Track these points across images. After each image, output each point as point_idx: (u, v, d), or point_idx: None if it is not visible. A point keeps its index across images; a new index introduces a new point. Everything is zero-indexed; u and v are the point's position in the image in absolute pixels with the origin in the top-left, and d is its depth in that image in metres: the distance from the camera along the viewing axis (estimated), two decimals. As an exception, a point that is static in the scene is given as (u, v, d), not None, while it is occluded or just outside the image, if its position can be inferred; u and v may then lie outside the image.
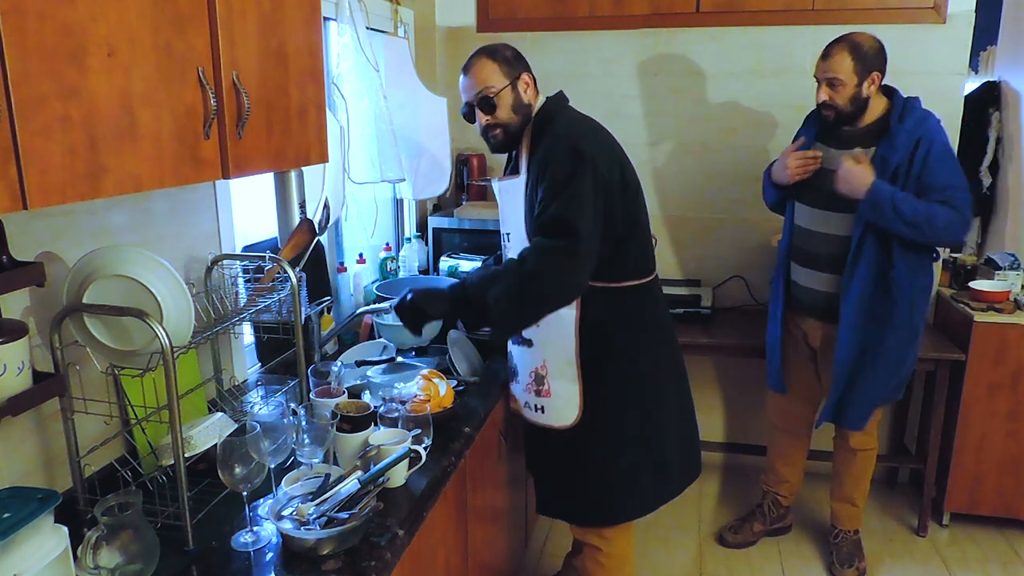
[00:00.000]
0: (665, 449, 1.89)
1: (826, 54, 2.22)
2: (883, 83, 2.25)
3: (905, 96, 2.26)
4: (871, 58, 2.17)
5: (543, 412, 1.89)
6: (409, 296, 1.74)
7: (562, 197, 1.65)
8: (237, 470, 1.26)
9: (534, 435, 1.98)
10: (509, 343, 1.97)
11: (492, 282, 1.67)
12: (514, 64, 1.80)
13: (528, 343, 1.87)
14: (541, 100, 1.85)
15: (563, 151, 1.69)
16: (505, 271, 1.69)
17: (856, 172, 2.16)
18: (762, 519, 2.76)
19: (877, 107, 2.25)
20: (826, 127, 2.33)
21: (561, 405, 1.85)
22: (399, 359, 2.02)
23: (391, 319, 2.02)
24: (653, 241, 1.94)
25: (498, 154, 1.93)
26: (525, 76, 1.81)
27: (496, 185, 1.94)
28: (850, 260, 2.25)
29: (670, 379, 1.92)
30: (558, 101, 1.86)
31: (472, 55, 1.82)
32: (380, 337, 2.22)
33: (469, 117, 1.84)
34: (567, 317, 1.78)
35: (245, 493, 1.29)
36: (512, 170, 1.90)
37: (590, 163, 1.66)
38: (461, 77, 1.83)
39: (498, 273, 1.69)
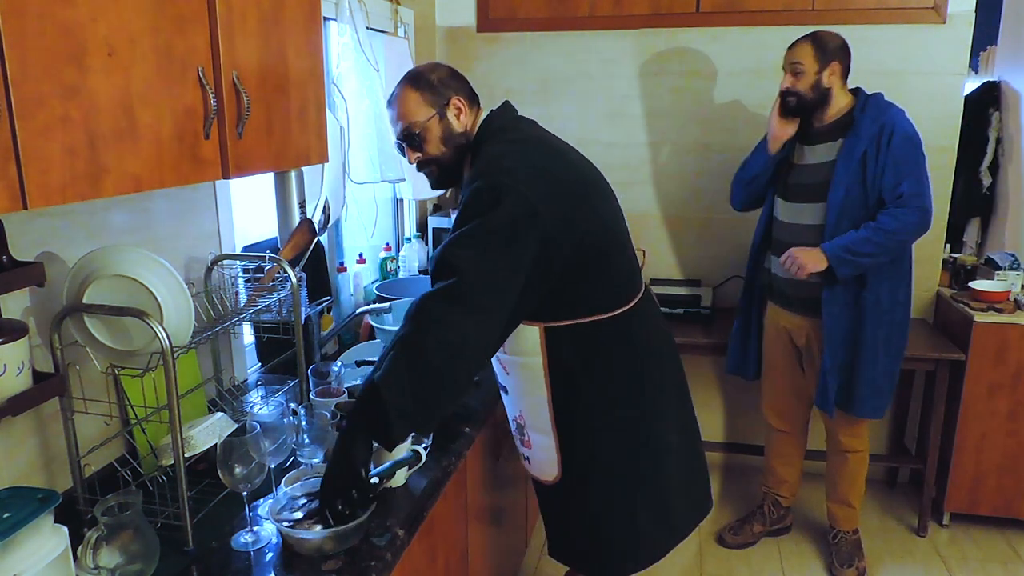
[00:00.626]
0: (665, 490, 1.64)
1: (791, 46, 2.36)
2: (851, 87, 2.35)
3: (869, 92, 2.35)
4: (831, 49, 2.30)
5: (530, 463, 1.71)
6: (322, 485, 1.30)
7: (452, 236, 1.39)
8: (237, 470, 1.26)
9: (533, 479, 1.77)
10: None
11: (379, 364, 1.34)
12: (441, 89, 1.55)
13: (504, 390, 1.69)
14: (483, 118, 1.60)
15: (475, 189, 1.42)
16: (390, 344, 1.36)
17: (803, 256, 2.28)
18: (762, 520, 2.76)
19: (842, 102, 2.34)
20: (800, 131, 2.43)
21: (542, 459, 1.65)
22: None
23: (389, 322, 2.00)
24: (640, 256, 1.69)
25: (441, 190, 1.71)
26: (456, 100, 1.56)
27: (452, 219, 1.76)
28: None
29: (664, 413, 1.63)
30: (496, 119, 1.59)
31: (398, 83, 1.60)
32: (379, 339, 2.22)
33: (402, 152, 1.62)
34: (534, 363, 1.55)
35: (245, 493, 1.29)
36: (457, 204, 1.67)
37: (508, 194, 1.38)
38: (387, 108, 1.62)
39: (385, 350, 1.37)
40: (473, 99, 1.62)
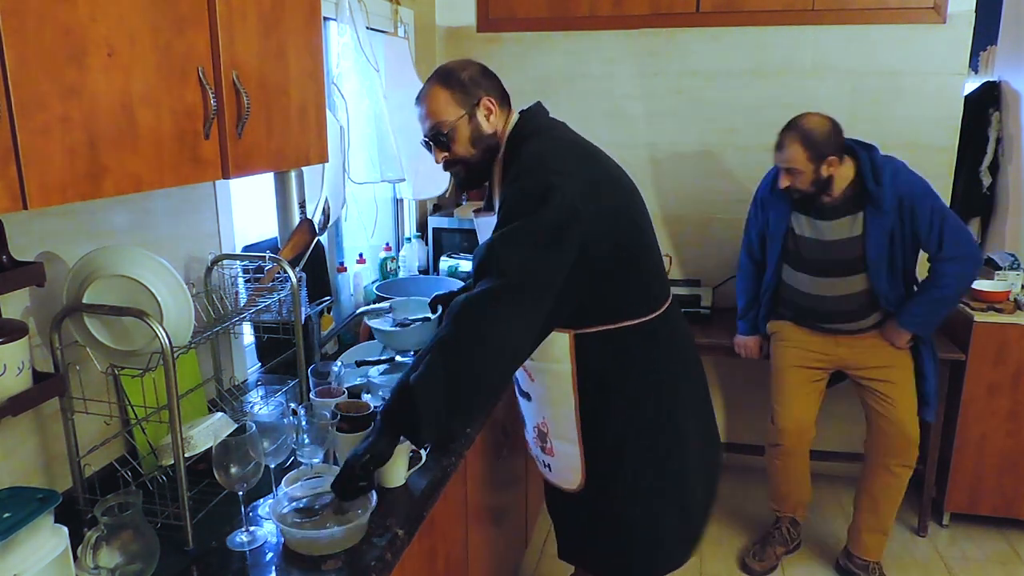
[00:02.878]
0: (688, 495, 1.62)
1: (779, 145, 2.26)
2: (844, 140, 2.27)
3: (866, 149, 2.27)
4: (822, 144, 2.19)
5: (550, 470, 1.67)
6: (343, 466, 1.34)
7: (497, 234, 1.38)
8: (233, 470, 1.25)
9: (548, 485, 1.75)
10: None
11: (416, 365, 1.35)
12: (471, 89, 1.53)
13: (527, 396, 1.66)
14: (515, 118, 1.58)
15: (520, 187, 1.42)
16: (429, 344, 1.38)
17: (891, 339, 2.38)
18: (783, 541, 2.66)
19: (847, 174, 2.26)
20: (810, 206, 2.36)
21: (564, 467, 1.62)
22: (399, 359, 2.02)
23: (387, 324, 1.99)
24: (666, 262, 1.70)
25: (469, 189, 1.74)
26: (486, 100, 1.53)
27: (474, 221, 1.73)
28: (880, 290, 2.33)
29: (689, 419, 1.60)
30: (532, 119, 1.57)
31: (427, 80, 1.57)
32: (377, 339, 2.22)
33: (429, 150, 1.59)
34: (563, 370, 1.52)
35: (241, 493, 1.28)
36: (487, 206, 1.66)
37: (554, 194, 1.36)
38: (415, 105, 1.58)
39: (423, 351, 1.38)
40: (504, 99, 1.59)
